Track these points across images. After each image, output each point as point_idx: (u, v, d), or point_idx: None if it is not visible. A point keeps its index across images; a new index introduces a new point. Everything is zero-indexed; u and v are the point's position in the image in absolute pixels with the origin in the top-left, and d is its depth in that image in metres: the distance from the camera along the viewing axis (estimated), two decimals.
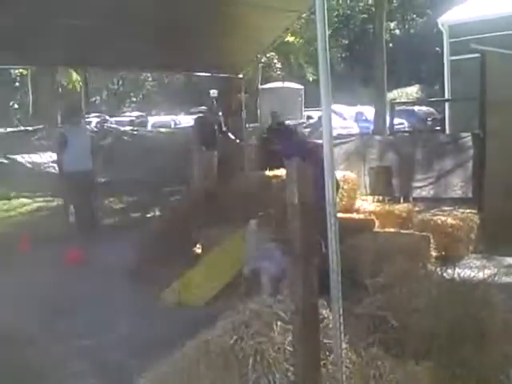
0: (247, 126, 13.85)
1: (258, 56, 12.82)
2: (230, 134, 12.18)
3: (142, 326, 5.66)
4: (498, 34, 16.87)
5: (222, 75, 13.03)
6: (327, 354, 3.32)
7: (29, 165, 12.91)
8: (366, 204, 9.98)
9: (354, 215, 9.24)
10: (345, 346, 3.35)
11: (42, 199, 11.94)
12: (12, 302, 6.16)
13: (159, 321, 5.77)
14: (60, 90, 24.54)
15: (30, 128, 17.15)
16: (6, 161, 12.77)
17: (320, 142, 3.61)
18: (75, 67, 16.98)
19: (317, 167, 3.23)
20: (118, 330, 5.60)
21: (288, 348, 3.27)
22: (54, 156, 10.27)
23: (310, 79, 29.41)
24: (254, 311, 3.52)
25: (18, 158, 12.94)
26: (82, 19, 8.15)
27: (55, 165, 10.43)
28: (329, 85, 3.23)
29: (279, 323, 3.40)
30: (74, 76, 23.02)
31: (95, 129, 17.47)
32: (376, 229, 8.48)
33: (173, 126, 26.41)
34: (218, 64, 11.40)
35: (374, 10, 25.74)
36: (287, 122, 11.87)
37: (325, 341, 3.33)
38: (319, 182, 3.20)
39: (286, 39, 21.50)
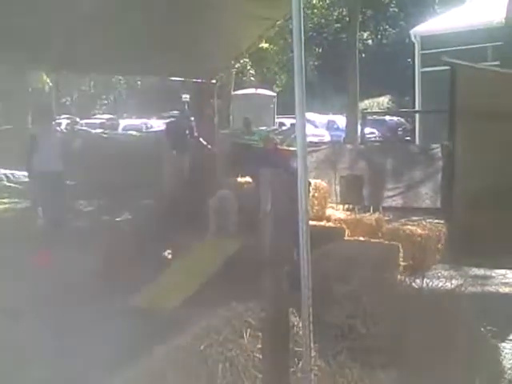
0: (219, 131, 13.82)
1: (232, 62, 12.82)
2: (201, 140, 12.13)
3: (109, 331, 5.58)
4: (469, 47, 17.17)
5: (194, 80, 12.98)
6: (296, 361, 3.33)
7: None
8: (337, 212, 10.05)
9: (325, 223, 9.28)
10: (314, 354, 3.36)
11: (7, 200, 11.75)
12: None
13: (128, 325, 5.70)
14: (30, 90, 24.21)
15: None
16: None
17: (292, 149, 3.62)
18: (46, 70, 16.78)
19: (288, 174, 3.24)
20: (84, 334, 5.51)
21: (257, 355, 3.27)
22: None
23: (277, 90, 29.65)
24: (225, 318, 3.52)
25: None
26: (54, 20, 8.06)
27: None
28: (303, 92, 3.23)
29: (249, 330, 3.40)
30: (44, 77, 22.72)
31: (65, 130, 17.29)
32: (346, 237, 8.53)
33: (144, 129, 26.30)
34: (191, 69, 11.35)
35: (347, 19, 25.94)
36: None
37: (294, 348, 3.34)
38: (291, 190, 3.20)
39: (260, 46, 21.55)
